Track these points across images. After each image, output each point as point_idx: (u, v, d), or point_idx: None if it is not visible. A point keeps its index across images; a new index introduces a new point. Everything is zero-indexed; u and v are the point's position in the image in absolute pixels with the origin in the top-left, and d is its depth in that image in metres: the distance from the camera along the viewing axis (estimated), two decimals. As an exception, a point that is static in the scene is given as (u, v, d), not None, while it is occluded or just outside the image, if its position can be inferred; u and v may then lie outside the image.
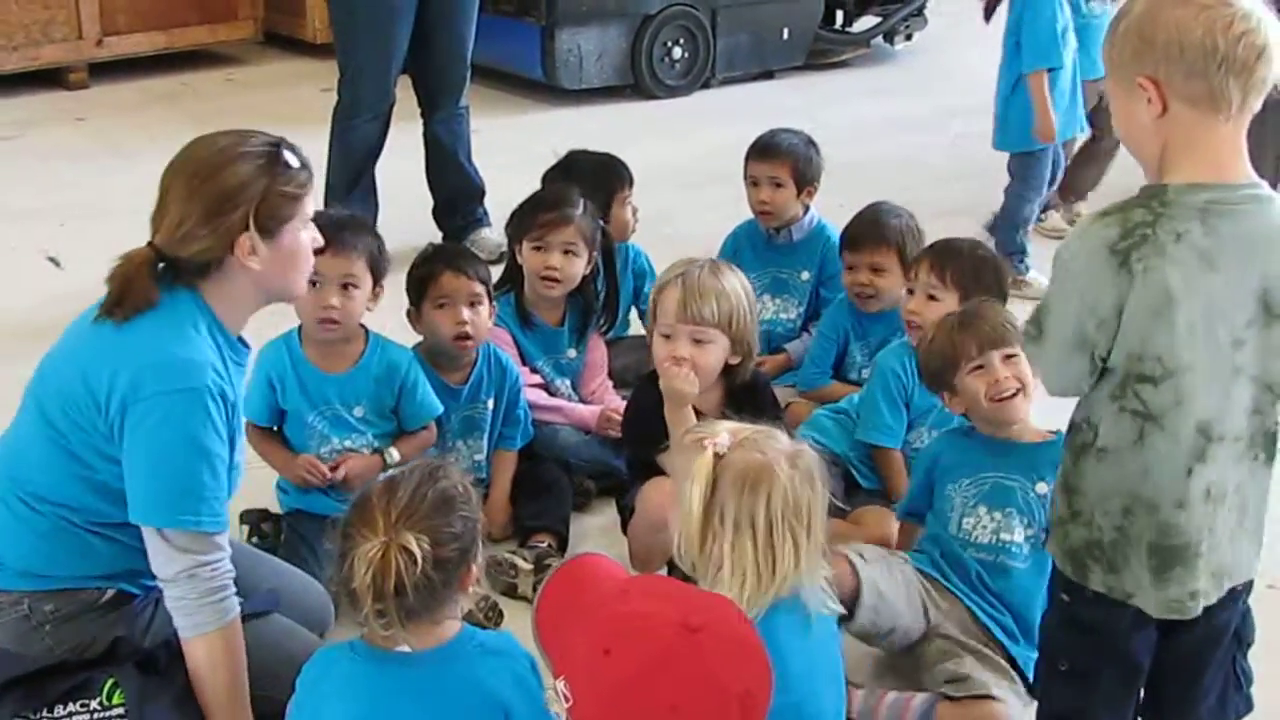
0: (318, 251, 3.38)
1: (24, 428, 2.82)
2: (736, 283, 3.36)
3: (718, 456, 2.37)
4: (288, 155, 2.75)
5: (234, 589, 2.76)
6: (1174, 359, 2.26)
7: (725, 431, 2.42)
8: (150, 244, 2.73)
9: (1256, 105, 2.26)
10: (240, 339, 2.87)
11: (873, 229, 4.07)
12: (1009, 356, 3.14)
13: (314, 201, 2.85)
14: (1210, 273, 2.24)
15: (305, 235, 2.83)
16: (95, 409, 2.67)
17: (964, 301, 3.53)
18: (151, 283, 2.70)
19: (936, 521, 3.25)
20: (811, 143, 4.48)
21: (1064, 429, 2.49)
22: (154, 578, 2.76)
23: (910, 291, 3.74)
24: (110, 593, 2.84)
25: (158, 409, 2.64)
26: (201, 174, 2.70)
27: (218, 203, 2.68)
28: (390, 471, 2.42)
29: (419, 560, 2.25)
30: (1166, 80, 2.23)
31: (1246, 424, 2.33)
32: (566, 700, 1.84)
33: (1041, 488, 3.12)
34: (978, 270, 3.65)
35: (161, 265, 2.72)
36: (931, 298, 3.65)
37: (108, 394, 2.65)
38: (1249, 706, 2.62)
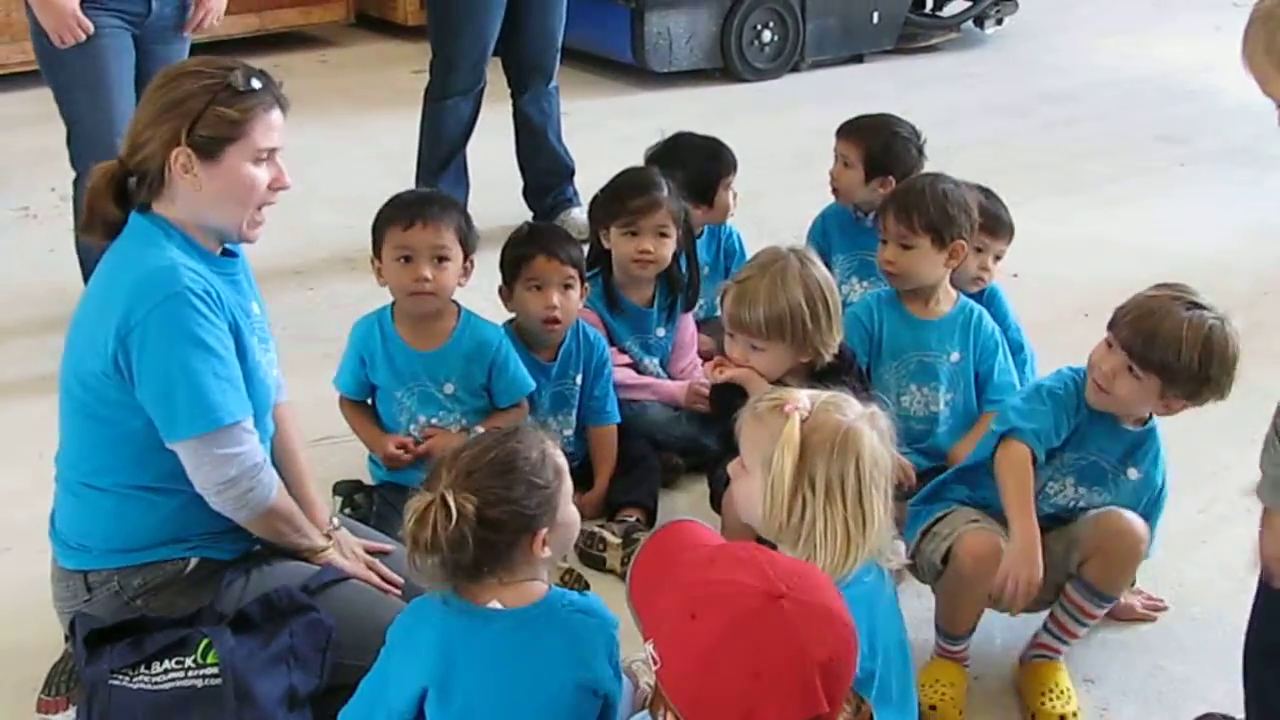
0: (405, 227, 3.44)
1: (62, 414, 2.90)
2: (798, 290, 3.21)
3: (803, 421, 2.37)
4: (238, 80, 2.76)
5: (267, 466, 2.85)
6: None
7: (803, 396, 2.42)
8: (118, 158, 2.83)
9: None
10: (227, 249, 2.92)
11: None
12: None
13: (268, 134, 2.81)
14: None
15: (254, 169, 2.81)
16: (105, 359, 2.72)
17: (936, 244, 3.57)
18: (110, 198, 2.80)
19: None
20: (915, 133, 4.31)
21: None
22: (232, 538, 2.89)
23: (884, 242, 3.68)
24: (194, 561, 2.91)
25: (151, 326, 2.69)
26: (161, 86, 2.79)
27: (161, 111, 2.76)
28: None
29: (454, 518, 2.29)
30: None
31: None
32: (655, 662, 1.86)
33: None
34: (943, 208, 3.60)
35: (128, 183, 2.81)
36: (905, 246, 3.61)
37: (105, 339, 2.71)
38: None
